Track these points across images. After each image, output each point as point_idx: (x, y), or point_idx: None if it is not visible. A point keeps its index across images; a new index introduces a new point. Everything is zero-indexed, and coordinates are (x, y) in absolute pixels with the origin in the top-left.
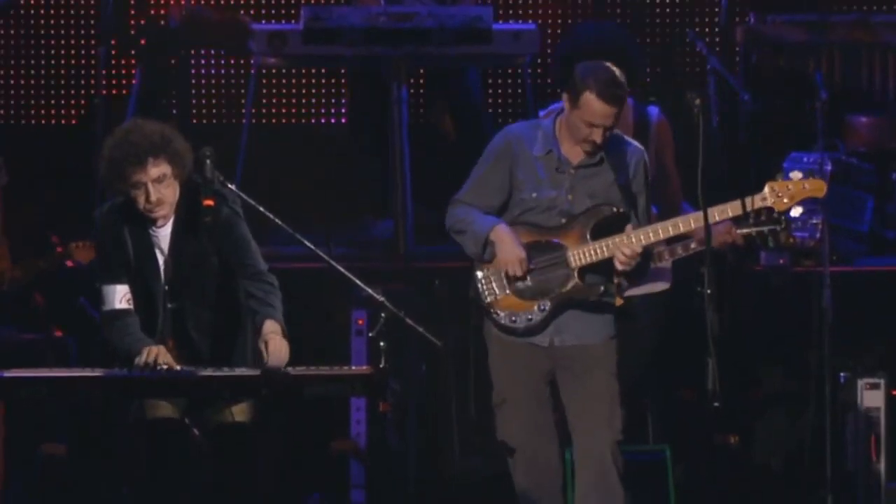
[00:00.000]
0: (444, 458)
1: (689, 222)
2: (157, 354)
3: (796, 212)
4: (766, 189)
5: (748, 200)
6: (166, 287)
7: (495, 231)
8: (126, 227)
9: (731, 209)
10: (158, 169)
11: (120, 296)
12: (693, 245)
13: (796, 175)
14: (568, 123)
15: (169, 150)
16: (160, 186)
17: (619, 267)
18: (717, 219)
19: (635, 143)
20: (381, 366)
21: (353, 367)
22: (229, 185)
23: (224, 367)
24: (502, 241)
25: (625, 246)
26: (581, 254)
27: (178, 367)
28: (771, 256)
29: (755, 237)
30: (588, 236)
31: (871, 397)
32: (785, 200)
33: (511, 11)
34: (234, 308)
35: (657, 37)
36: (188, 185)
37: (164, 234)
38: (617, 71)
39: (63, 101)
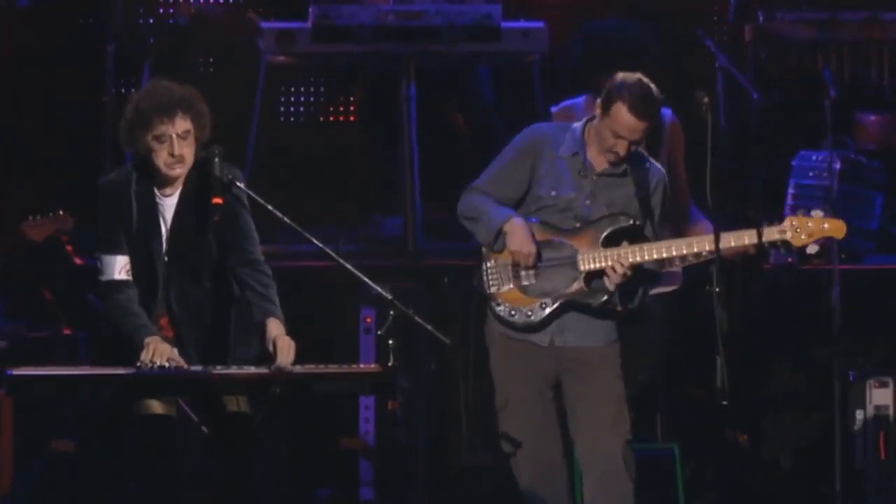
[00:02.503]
0: (453, 454)
1: (703, 243)
2: (162, 353)
3: (813, 249)
4: (786, 223)
5: (766, 231)
6: (166, 258)
7: (511, 222)
8: (133, 194)
9: (748, 237)
10: (184, 124)
11: (119, 266)
12: (705, 252)
13: (818, 213)
14: (596, 130)
15: (195, 108)
16: (183, 143)
17: (607, 282)
18: (733, 245)
19: (657, 164)
20: (389, 364)
21: (362, 365)
22: (238, 184)
23: (212, 361)
24: (515, 233)
25: (617, 262)
26: (591, 258)
27: (185, 365)
28: (779, 254)
29: (768, 248)
30: (600, 243)
31: (880, 395)
32: (803, 237)
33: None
34: (225, 292)
35: (666, 34)
36: (200, 159)
37: (169, 204)
38: (653, 87)
39: (72, 100)
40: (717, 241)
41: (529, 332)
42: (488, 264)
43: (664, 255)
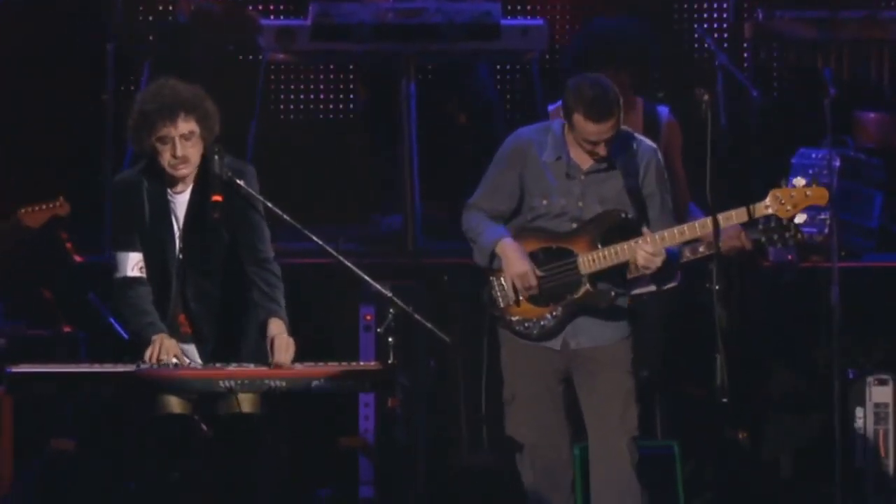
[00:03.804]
0: (453, 453)
1: (695, 228)
2: (167, 348)
3: (801, 218)
4: (769, 197)
5: (751, 208)
6: (180, 256)
7: (500, 245)
8: (145, 192)
9: (737, 216)
10: (188, 125)
11: (133, 263)
12: (702, 249)
13: (800, 182)
14: (573, 138)
15: (200, 109)
16: (187, 144)
17: (641, 268)
18: (722, 225)
19: (647, 140)
20: (389, 361)
21: (362, 363)
22: (238, 182)
23: (230, 356)
24: (507, 255)
25: (646, 244)
26: (591, 260)
27: (188, 361)
28: (779, 252)
29: (765, 242)
30: (598, 242)
31: (880, 393)
32: (788, 208)
33: (519, 7)
34: (241, 288)
35: (665, 33)
36: (209, 153)
37: (181, 201)
38: (604, 82)
39: (71, 98)
40: (716, 240)
41: (545, 340)
42: (494, 281)
43: (659, 245)
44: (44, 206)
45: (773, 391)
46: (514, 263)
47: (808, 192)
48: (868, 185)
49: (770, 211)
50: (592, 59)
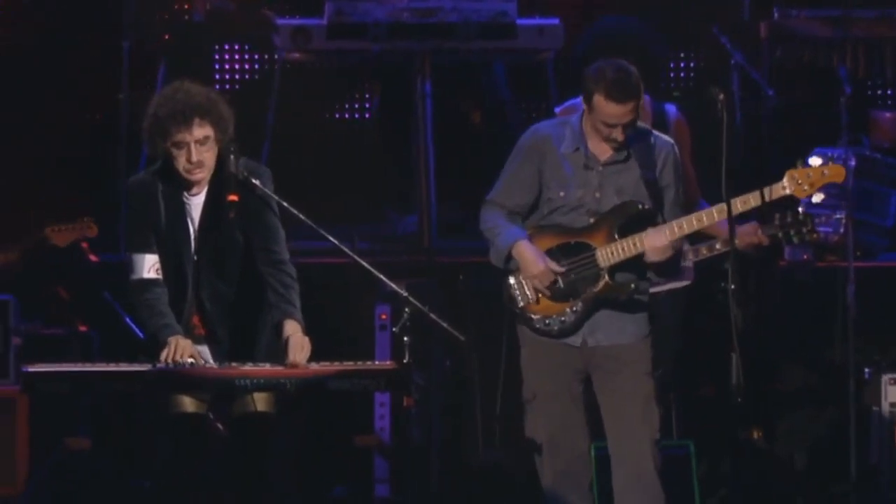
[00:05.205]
0: (468, 452)
1: (712, 215)
2: (183, 349)
3: (818, 198)
4: (786, 178)
5: (768, 190)
6: (195, 257)
7: (516, 247)
8: (160, 194)
9: (753, 199)
10: (202, 130)
11: (149, 265)
12: (718, 246)
13: (815, 161)
14: (591, 124)
15: (214, 113)
16: (202, 149)
17: (649, 259)
18: (740, 209)
19: (664, 136)
20: (404, 360)
21: (377, 362)
22: (254, 181)
23: (244, 357)
24: (523, 257)
25: (655, 235)
26: (609, 253)
27: (203, 362)
28: (795, 252)
29: (781, 237)
30: (616, 234)
31: (895, 392)
32: (805, 188)
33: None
34: (256, 289)
35: (681, 32)
36: (225, 153)
37: (196, 203)
38: (626, 66)
39: (87, 97)
40: (731, 236)
41: (565, 336)
42: (513, 280)
43: (677, 232)
44: (72, 227)
45: (788, 390)
46: (531, 265)
47: (825, 171)
48: (883, 184)
49: (787, 191)
50: (595, 59)
